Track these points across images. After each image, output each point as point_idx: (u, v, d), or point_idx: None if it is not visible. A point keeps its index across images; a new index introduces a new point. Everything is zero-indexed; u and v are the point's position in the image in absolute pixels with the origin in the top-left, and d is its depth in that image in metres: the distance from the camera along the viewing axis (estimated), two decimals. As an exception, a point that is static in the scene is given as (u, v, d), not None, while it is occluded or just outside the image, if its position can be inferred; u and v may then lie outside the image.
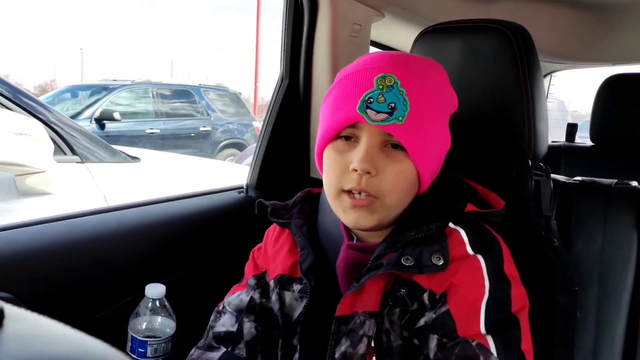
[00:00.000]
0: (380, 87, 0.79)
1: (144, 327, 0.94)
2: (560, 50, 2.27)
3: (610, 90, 2.09)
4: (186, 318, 1.01)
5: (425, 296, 0.80)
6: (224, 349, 0.93)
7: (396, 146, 0.81)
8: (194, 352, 0.94)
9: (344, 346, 0.82)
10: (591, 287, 1.05)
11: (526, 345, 0.79)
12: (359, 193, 0.81)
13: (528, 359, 0.79)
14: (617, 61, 2.43)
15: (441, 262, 0.78)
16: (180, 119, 7.41)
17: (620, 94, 2.06)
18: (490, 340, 0.75)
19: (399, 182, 0.81)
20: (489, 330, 0.76)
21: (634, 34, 2.04)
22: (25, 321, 0.31)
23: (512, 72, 1.05)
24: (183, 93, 7.57)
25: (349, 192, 0.81)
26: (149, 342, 0.93)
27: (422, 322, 0.79)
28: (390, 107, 0.78)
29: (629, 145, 2.02)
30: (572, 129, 2.43)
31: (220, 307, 0.99)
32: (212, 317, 0.98)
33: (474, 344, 0.75)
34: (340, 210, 0.84)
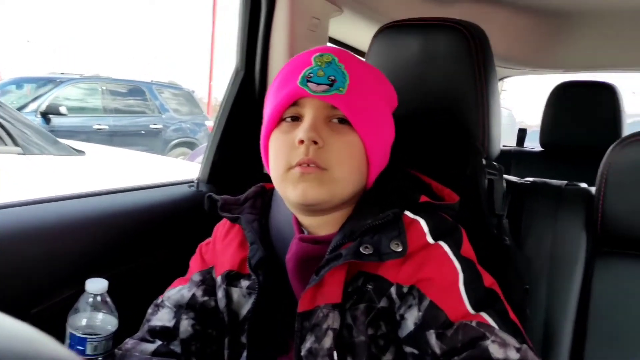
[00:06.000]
0: (319, 63, 0.83)
1: (83, 323, 0.90)
2: (513, 55, 2.32)
3: (560, 97, 2.15)
4: (129, 314, 0.97)
5: (393, 290, 0.80)
6: (159, 342, 0.91)
7: (342, 121, 0.83)
8: (128, 341, 0.92)
9: (308, 342, 0.80)
10: (541, 285, 1.07)
11: (513, 316, 0.80)
12: (308, 165, 0.81)
13: (520, 329, 0.79)
14: (568, 68, 2.51)
15: (400, 249, 0.78)
16: (130, 115, 7.26)
17: (570, 100, 2.12)
18: (485, 316, 0.76)
19: (346, 154, 0.82)
20: (477, 308, 0.77)
21: (585, 42, 2.10)
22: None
23: (467, 71, 1.06)
24: (134, 89, 7.44)
25: (298, 166, 0.81)
26: (88, 340, 0.88)
27: (410, 325, 0.78)
28: (330, 79, 0.82)
29: (578, 151, 2.08)
30: (522, 134, 2.49)
31: (159, 301, 0.96)
32: (149, 310, 0.96)
33: (473, 324, 0.74)
34: (290, 185, 0.83)
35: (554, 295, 1.06)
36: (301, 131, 0.80)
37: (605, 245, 1.08)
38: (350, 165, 0.83)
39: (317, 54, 0.84)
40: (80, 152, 2.77)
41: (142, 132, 7.30)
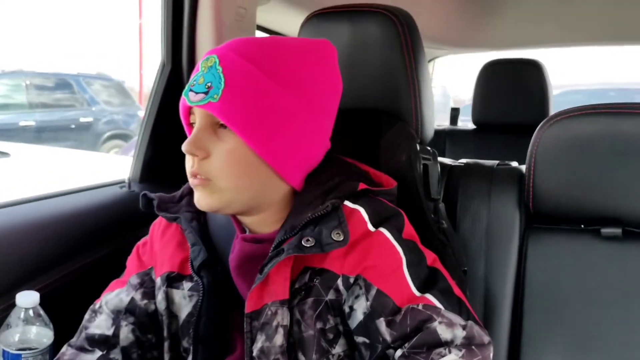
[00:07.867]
0: (203, 69, 0.80)
1: (16, 339, 0.88)
2: (442, 36, 2.36)
3: (489, 75, 2.21)
4: (66, 325, 0.94)
5: (340, 282, 0.80)
6: (98, 352, 0.88)
7: (225, 126, 0.80)
8: (66, 349, 0.89)
9: (260, 342, 0.79)
10: (479, 266, 1.09)
11: (457, 291, 0.82)
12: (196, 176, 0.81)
13: (466, 303, 0.82)
14: (496, 47, 2.58)
15: (342, 238, 0.78)
16: (58, 110, 6.99)
17: (498, 78, 2.18)
18: (431, 297, 0.78)
19: (228, 163, 0.80)
20: (422, 290, 0.79)
21: (511, 21, 2.16)
22: None
23: (397, 57, 1.07)
24: (60, 83, 7.16)
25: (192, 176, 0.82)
26: (23, 355, 0.87)
27: (360, 315, 0.79)
28: (207, 86, 0.79)
29: (509, 127, 2.14)
30: (455, 112, 2.55)
31: (97, 306, 0.93)
32: (86, 316, 0.92)
33: (420, 307, 0.77)
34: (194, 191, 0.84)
35: (491, 274, 1.08)
36: (184, 143, 0.80)
37: (537, 221, 1.12)
38: (235, 172, 0.80)
39: (205, 57, 0.82)
40: (4, 154, 2.65)
41: (72, 126, 7.04)
